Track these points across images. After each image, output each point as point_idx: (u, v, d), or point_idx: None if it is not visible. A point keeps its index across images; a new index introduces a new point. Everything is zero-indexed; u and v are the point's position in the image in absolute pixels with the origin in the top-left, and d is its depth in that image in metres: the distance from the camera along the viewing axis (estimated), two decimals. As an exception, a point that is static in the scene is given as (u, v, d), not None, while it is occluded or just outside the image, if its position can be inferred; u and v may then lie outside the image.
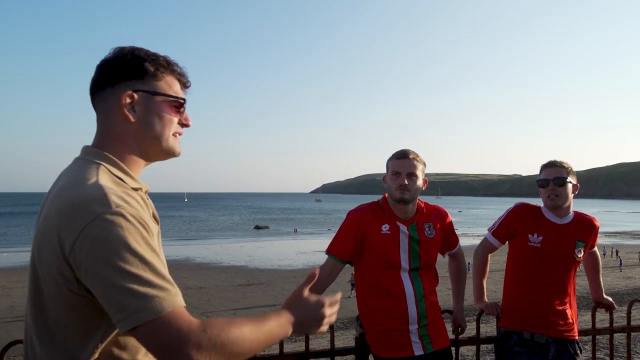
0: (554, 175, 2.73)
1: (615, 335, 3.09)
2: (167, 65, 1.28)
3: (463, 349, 3.77)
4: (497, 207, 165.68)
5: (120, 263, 1.00)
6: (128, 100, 1.22)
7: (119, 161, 1.22)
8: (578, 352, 2.75)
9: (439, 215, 2.63)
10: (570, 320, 2.75)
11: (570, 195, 2.76)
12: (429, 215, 2.59)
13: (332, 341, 2.52)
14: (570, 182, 2.74)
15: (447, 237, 2.67)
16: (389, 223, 2.50)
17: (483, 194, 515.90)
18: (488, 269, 2.95)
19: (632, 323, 3.11)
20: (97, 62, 1.26)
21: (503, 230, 2.82)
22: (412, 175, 2.45)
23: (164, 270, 1.05)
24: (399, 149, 2.60)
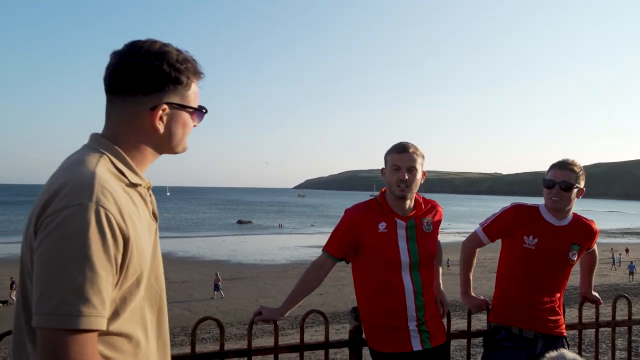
0: (562, 178, 2.65)
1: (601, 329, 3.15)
2: (195, 72, 1.26)
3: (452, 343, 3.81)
4: (477, 205, 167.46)
5: (70, 261, 0.98)
6: (160, 113, 1.21)
7: (125, 155, 1.20)
8: (566, 347, 2.80)
9: (433, 210, 2.62)
10: (559, 317, 2.78)
11: (574, 200, 2.71)
12: (427, 210, 2.57)
13: (326, 334, 2.53)
14: (577, 187, 2.68)
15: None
16: (385, 220, 2.46)
17: (464, 192, 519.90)
18: (475, 262, 2.94)
19: (617, 318, 3.19)
20: (100, 52, 1.20)
21: (494, 228, 2.78)
22: (412, 169, 2.42)
23: (103, 285, 1.01)
24: (397, 142, 2.51)
